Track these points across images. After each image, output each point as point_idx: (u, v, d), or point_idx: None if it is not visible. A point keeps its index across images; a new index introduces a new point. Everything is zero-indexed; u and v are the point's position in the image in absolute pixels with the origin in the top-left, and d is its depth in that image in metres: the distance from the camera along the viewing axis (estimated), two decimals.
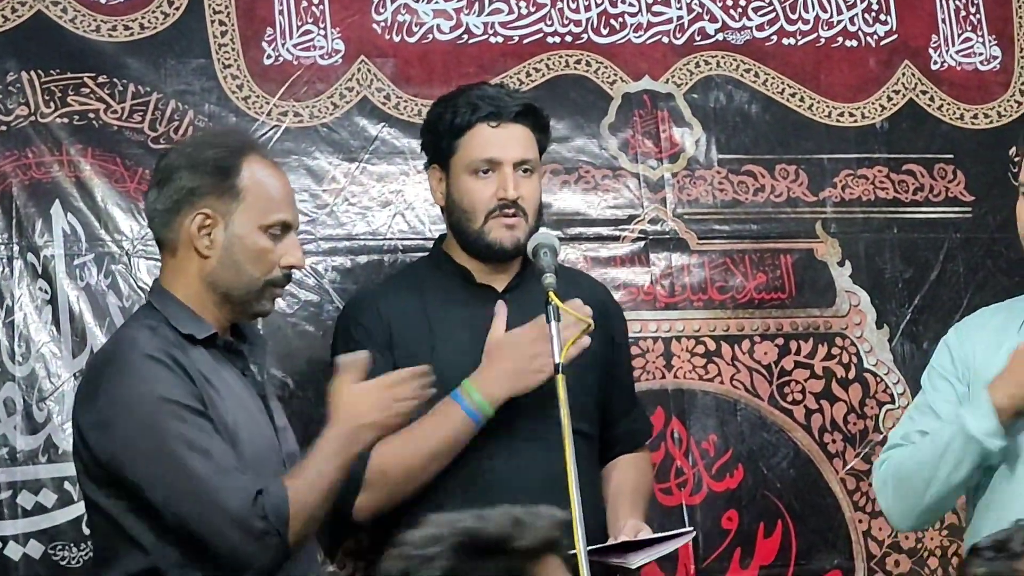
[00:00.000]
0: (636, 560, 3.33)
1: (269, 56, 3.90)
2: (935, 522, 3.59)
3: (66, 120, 3.75)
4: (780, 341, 4.13)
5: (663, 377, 4.04)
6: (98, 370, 3.13)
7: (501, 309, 3.47)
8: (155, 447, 2.99)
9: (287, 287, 3.27)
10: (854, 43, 4.27)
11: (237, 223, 3.12)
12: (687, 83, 4.16)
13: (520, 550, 2.02)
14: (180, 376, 3.02)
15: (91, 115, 3.77)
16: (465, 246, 3.56)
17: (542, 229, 3.54)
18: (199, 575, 3.02)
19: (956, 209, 4.27)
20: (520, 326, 3.45)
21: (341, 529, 3.59)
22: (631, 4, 4.14)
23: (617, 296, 3.94)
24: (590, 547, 3.33)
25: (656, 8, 4.16)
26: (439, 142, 3.56)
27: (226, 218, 3.12)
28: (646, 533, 3.41)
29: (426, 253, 3.73)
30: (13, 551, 3.58)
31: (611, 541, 3.39)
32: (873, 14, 4.29)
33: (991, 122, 4.31)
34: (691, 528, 3.56)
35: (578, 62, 4.10)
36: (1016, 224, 3.37)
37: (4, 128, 3.71)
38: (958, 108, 4.32)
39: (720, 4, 4.20)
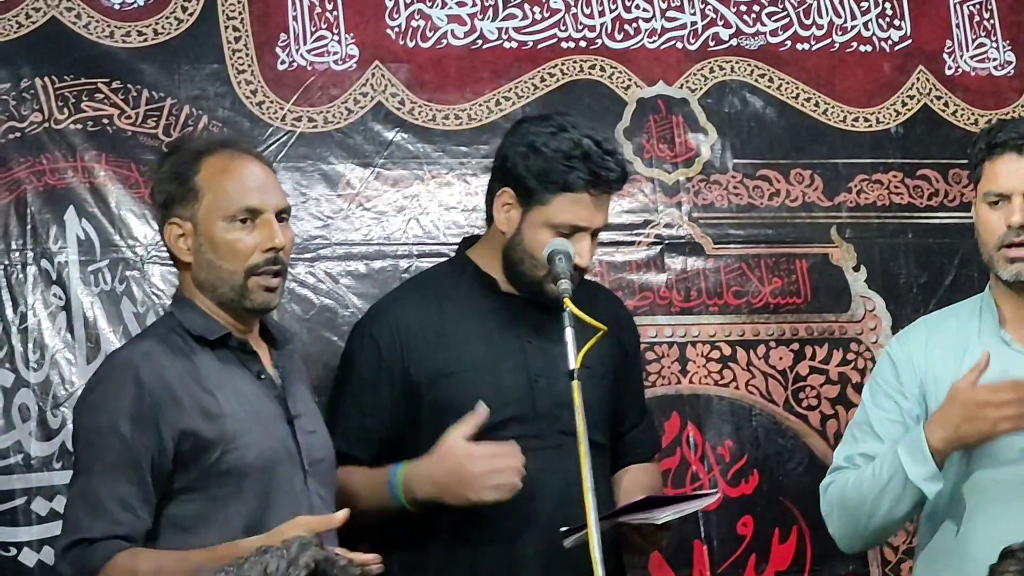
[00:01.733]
0: (661, 516, 3.30)
1: (283, 62, 3.90)
2: (882, 544, 3.59)
3: (80, 126, 3.75)
4: (795, 346, 4.12)
5: (678, 382, 4.03)
6: (95, 373, 3.19)
7: (472, 420, 3.29)
8: (81, 456, 3.07)
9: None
10: (868, 48, 4.27)
11: (201, 223, 3.11)
12: (702, 88, 4.15)
13: None
14: (154, 394, 3.02)
15: (105, 121, 3.76)
16: (513, 278, 3.48)
17: None
18: None
19: (970, 214, 4.23)
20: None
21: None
22: (645, 9, 4.14)
23: (632, 301, 3.93)
24: (613, 510, 3.32)
25: (670, 14, 4.15)
26: (527, 180, 3.40)
27: (193, 221, 3.11)
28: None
29: (441, 258, 3.71)
30: (28, 557, 3.58)
31: (635, 499, 3.36)
32: (887, 19, 4.29)
33: None
34: (716, 490, 3.51)
35: (592, 67, 4.09)
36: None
37: (18, 134, 3.70)
38: (972, 113, 4.31)
39: (734, 9, 4.19)
